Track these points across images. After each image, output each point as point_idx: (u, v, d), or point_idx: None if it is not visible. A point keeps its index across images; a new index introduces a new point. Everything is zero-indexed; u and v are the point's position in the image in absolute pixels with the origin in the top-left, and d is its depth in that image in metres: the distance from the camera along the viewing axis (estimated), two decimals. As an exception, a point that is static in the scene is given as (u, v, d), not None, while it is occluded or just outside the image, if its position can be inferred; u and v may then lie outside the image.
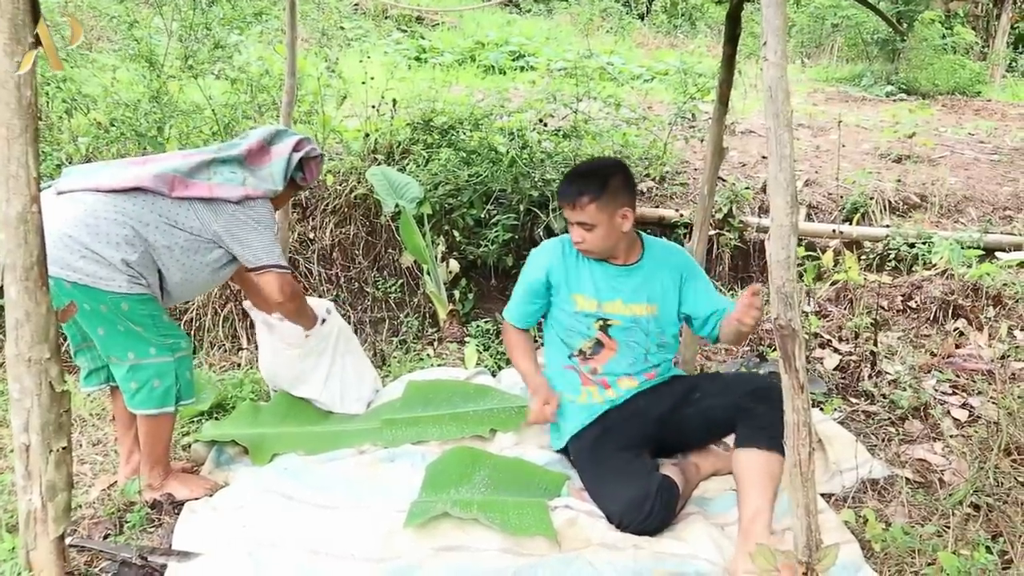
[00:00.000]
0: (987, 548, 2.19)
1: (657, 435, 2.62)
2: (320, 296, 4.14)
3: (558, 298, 2.71)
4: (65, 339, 2.56)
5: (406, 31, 9.57)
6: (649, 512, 2.33)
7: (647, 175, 5.04)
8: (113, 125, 4.06)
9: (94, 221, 2.29)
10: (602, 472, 2.52)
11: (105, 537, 2.38)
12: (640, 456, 2.54)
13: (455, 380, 3.30)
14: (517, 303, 2.81)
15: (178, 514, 2.47)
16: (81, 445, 2.92)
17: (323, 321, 3.03)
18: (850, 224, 4.96)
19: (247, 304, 3.06)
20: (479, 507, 2.36)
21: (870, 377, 3.41)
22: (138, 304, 2.36)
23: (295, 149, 2.66)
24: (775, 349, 1.51)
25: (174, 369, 2.47)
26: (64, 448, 1.93)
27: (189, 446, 2.93)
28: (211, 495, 2.58)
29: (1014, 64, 13.12)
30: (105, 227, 2.30)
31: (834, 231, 4.80)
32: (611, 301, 2.65)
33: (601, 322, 2.66)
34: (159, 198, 2.39)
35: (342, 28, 7.02)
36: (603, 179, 2.51)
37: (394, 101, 4.82)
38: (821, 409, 3.11)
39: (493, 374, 3.54)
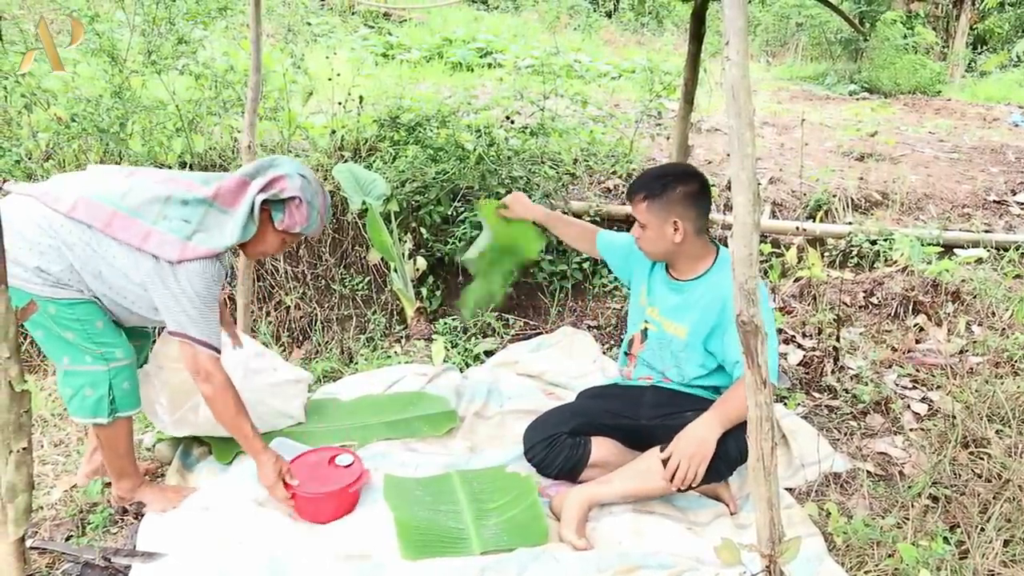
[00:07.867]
0: (944, 539, 2.24)
1: (632, 427, 2.62)
2: (286, 294, 4.11)
3: (635, 281, 2.76)
4: (25, 338, 2.49)
5: (373, 27, 9.52)
6: (530, 447, 2.63)
7: (614, 172, 5.06)
8: (74, 120, 3.99)
9: (20, 226, 2.15)
10: (560, 406, 2.84)
11: (67, 539, 2.35)
12: (594, 423, 2.63)
13: (406, 392, 3.25)
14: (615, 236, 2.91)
15: (142, 515, 2.45)
16: (43, 446, 2.87)
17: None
18: (813, 221, 5.02)
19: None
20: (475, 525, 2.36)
21: (833, 372, 3.46)
22: (65, 309, 2.22)
23: (262, 189, 2.32)
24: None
25: (108, 379, 2.31)
26: (24, 449, 1.90)
27: (153, 446, 2.90)
28: (183, 501, 2.53)
29: (973, 64, 13.36)
30: (30, 232, 2.16)
31: (798, 228, 4.85)
32: (653, 307, 2.65)
33: (645, 323, 2.68)
34: (88, 228, 2.20)
35: (308, 24, 6.98)
36: (666, 183, 2.47)
37: (360, 98, 4.79)
38: (785, 404, 3.15)
39: (461, 371, 3.54)
